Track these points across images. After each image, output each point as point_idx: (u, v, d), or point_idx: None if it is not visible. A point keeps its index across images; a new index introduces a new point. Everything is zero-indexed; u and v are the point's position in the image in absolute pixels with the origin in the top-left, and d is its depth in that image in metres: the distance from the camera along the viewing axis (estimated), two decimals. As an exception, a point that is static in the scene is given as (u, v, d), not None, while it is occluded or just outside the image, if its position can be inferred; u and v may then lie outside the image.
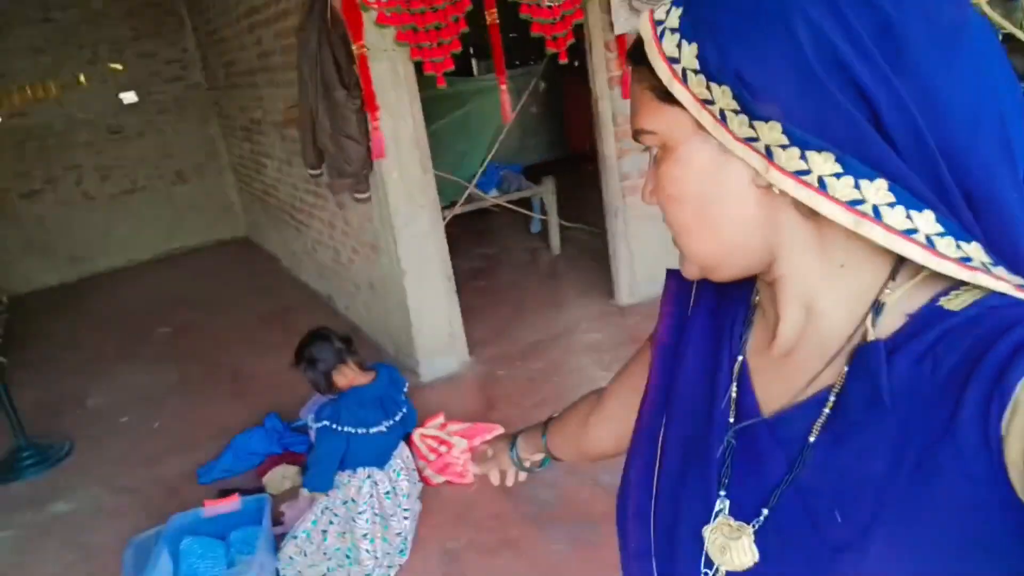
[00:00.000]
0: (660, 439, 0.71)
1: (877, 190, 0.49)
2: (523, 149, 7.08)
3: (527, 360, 4.00)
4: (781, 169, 0.51)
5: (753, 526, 0.59)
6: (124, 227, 7.25)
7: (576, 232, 5.68)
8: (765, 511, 0.58)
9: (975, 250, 0.50)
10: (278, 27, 4.46)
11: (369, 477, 2.51)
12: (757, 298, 0.68)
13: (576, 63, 4.17)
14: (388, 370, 2.68)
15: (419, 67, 3.53)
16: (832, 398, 0.56)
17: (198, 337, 5.12)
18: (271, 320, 5.17)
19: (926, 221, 0.49)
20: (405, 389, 2.72)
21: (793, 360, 0.61)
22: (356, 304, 4.77)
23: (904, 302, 0.55)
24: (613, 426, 0.91)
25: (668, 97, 0.56)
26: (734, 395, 0.64)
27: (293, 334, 2.83)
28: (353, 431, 2.45)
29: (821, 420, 0.56)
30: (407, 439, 2.82)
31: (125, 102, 7.11)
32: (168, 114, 7.32)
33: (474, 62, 7.77)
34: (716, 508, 0.62)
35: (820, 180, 0.50)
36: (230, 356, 4.68)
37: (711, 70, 0.52)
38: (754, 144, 0.52)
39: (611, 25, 3.94)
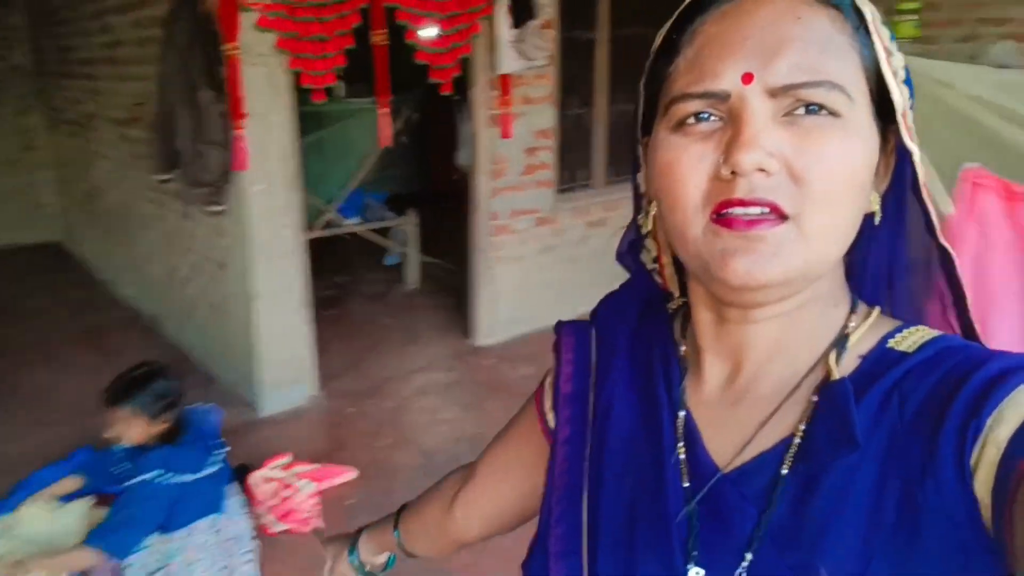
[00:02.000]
0: (585, 501, 0.62)
1: None
2: (384, 179, 6.90)
3: (379, 397, 3.80)
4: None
5: None
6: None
7: (433, 268, 5.56)
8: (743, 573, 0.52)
9: None
10: (136, 16, 4.03)
11: (212, 526, 2.18)
12: (683, 348, 0.63)
13: (457, 96, 4.10)
14: (194, 411, 2.34)
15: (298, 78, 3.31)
16: (797, 440, 0.52)
17: (-10, 352, 4.41)
18: (82, 338, 4.54)
19: None
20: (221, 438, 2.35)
21: (745, 405, 0.57)
22: (188, 327, 4.32)
23: (855, 345, 0.54)
24: (486, 506, 0.83)
25: (868, 70, 0.51)
26: (683, 457, 0.58)
27: (109, 355, 2.46)
28: (188, 478, 2.12)
29: (788, 463, 0.52)
30: (238, 478, 2.51)
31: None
32: (-22, 96, 6.42)
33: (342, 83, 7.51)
34: None
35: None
36: (31, 377, 4.05)
37: None
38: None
39: (496, 64, 3.92)
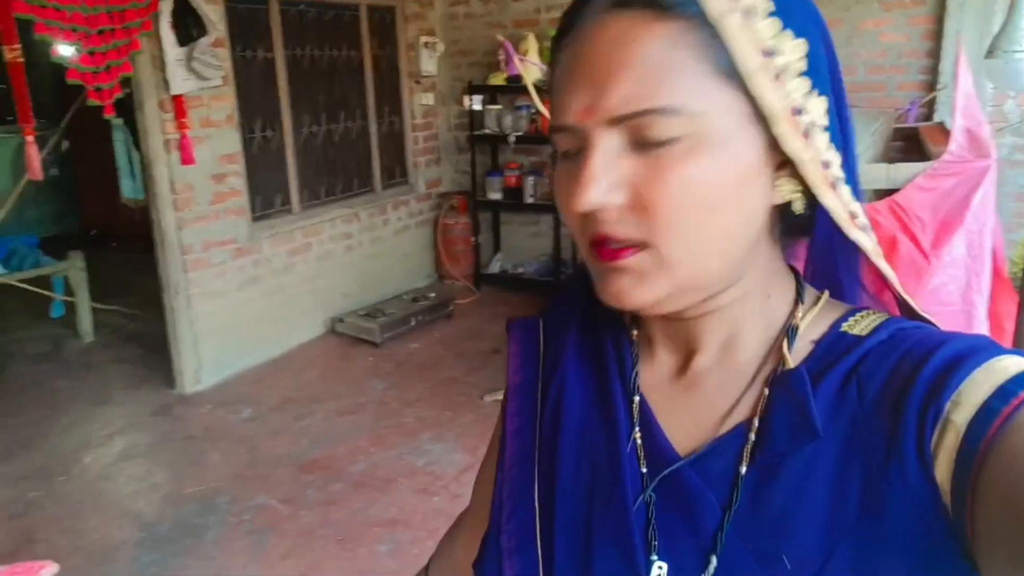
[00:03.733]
0: (536, 494, 0.60)
1: (849, 191, 0.53)
2: (25, 220, 5.87)
3: (72, 472, 3.23)
4: (816, 157, 0.51)
5: None
6: None
7: (110, 318, 4.88)
8: (712, 568, 0.52)
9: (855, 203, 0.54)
10: None
11: None
12: (635, 333, 0.63)
13: (115, 120, 3.65)
14: None
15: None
16: (755, 428, 0.52)
17: None
18: None
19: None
20: None
21: (699, 393, 0.57)
22: None
23: (807, 330, 0.55)
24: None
25: (731, 77, 0.46)
26: (639, 441, 0.58)
27: None
28: None
29: (747, 453, 0.52)
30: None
31: None
32: None
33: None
34: (654, 573, 0.53)
35: (834, 180, 0.52)
36: None
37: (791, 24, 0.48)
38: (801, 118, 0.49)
39: (167, 84, 3.56)
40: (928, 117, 3.93)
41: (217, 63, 3.73)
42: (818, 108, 0.49)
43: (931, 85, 3.99)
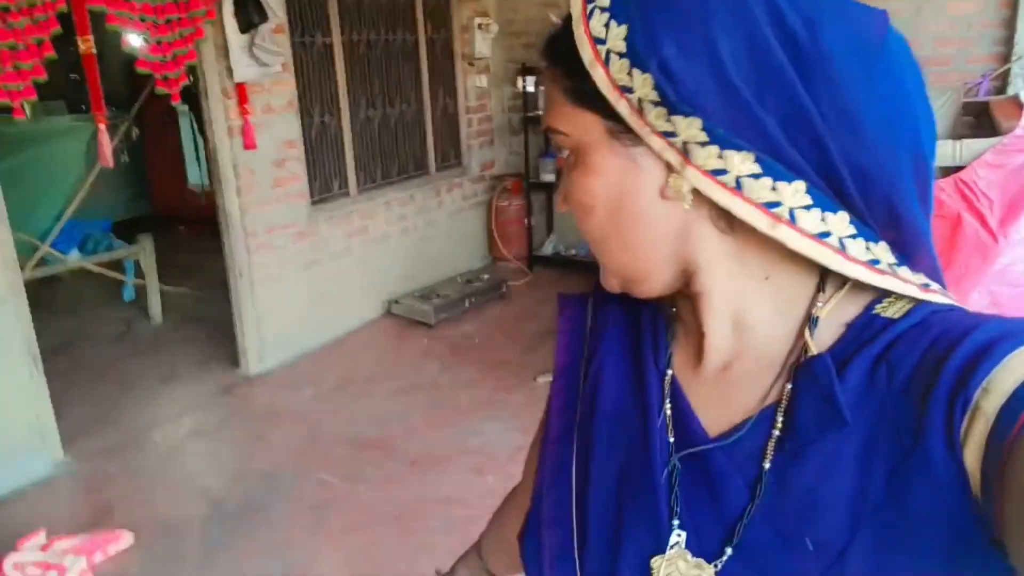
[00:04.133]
0: (573, 469, 0.63)
1: (795, 192, 0.49)
2: (99, 206, 6.11)
3: (144, 448, 3.38)
4: (698, 167, 0.50)
5: (715, 566, 0.54)
6: None
7: (179, 300, 5.06)
8: (729, 550, 0.53)
9: (882, 251, 0.52)
10: None
11: None
12: (673, 310, 0.64)
13: (181, 107, 3.77)
14: None
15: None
16: (780, 416, 0.53)
17: None
18: None
19: (840, 222, 0.50)
20: None
21: (728, 378, 0.58)
22: None
23: (838, 312, 0.54)
24: None
25: (582, 100, 0.54)
26: (669, 413, 0.59)
27: None
28: None
29: (772, 440, 0.53)
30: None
31: None
32: None
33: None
34: (672, 541, 0.56)
35: (737, 180, 0.49)
36: None
37: (637, 56, 0.50)
38: (671, 140, 0.50)
39: (230, 71, 3.66)
40: (1001, 91, 3.75)
41: (278, 49, 3.80)
42: (646, 85, 0.50)
43: (1005, 56, 3.81)
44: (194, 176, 6.98)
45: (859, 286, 0.54)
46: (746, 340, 0.56)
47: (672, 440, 0.58)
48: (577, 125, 0.55)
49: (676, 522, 0.55)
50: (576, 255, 5.47)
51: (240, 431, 3.56)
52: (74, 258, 4.40)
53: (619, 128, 0.52)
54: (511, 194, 5.53)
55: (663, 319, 0.64)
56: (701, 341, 0.59)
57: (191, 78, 3.64)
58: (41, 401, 3.16)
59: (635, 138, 0.52)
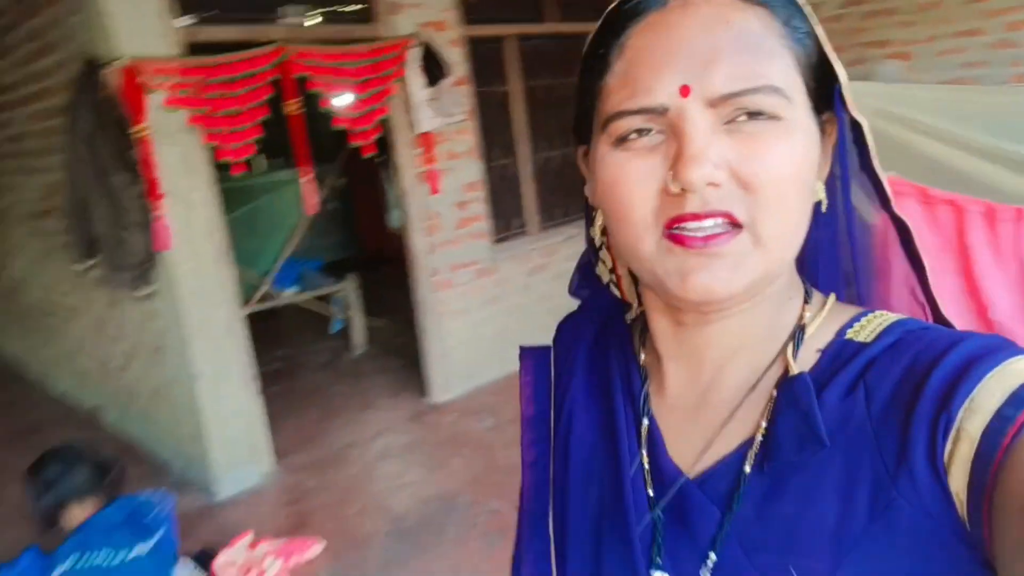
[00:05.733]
0: (551, 521, 0.63)
1: None
2: (317, 247, 6.85)
3: (339, 467, 3.70)
4: None
5: None
6: None
7: (379, 332, 5.50)
8: (708, 570, 0.51)
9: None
10: (36, 108, 3.96)
11: None
12: (643, 357, 0.62)
13: (380, 157, 4.13)
14: (127, 499, 2.21)
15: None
16: (760, 438, 0.51)
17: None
18: (15, 440, 4.33)
19: None
20: (158, 510, 2.22)
21: (709, 407, 0.56)
22: (130, 416, 4.15)
23: (813, 339, 0.53)
24: None
25: (804, 66, 0.50)
26: (646, 464, 0.57)
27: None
28: (108, 561, 1.96)
29: (751, 456, 0.51)
30: (202, 565, 2.39)
31: None
32: None
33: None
34: None
35: None
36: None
37: None
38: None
39: (415, 123, 3.97)
40: None
41: (461, 100, 4.08)
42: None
43: None
44: (393, 219, 7.57)
45: (832, 311, 0.54)
46: (734, 367, 0.55)
47: (652, 493, 0.56)
48: (798, 91, 0.53)
49: (655, 571, 0.54)
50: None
51: (424, 455, 3.77)
52: (289, 294, 4.95)
53: (815, 108, 0.54)
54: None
55: (635, 365, 0.62)
56: (692, 372, 0.57)
57: (384, 131, 4.00)
58: (257, 419, 3.58)
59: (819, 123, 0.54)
